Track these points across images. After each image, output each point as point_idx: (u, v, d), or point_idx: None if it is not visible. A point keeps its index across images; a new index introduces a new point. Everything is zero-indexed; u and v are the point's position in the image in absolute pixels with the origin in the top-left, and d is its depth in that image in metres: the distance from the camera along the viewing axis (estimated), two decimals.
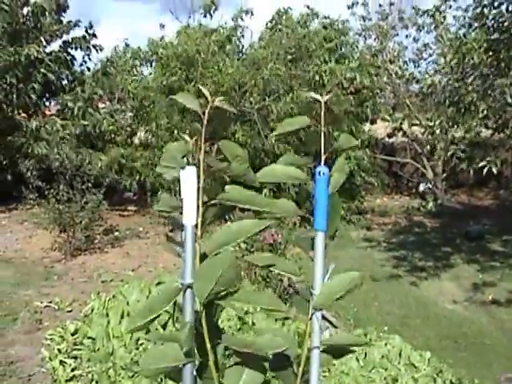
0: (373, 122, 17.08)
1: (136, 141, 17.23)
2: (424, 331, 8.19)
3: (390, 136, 18.22)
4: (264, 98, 14.38)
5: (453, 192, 19.50)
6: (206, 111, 1.91)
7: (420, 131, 16.48)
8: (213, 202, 2.00)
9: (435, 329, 8.32)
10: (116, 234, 13.42)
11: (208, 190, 1.97)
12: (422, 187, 18.93)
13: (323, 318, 5.45)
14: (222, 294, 2.03)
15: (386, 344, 6.35)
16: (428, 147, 17.35)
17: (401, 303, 9.39)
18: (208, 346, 2.13)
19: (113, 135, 16.19)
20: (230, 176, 2.02)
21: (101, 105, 17.12)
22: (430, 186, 18.19)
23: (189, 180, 1.91)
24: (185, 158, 1.93)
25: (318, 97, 2.15)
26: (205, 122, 1.91)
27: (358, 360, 5.91)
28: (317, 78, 14.90)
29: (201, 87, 1.96)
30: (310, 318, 2.23)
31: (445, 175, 17.65)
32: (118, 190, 15.11)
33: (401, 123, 16.46)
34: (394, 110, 17.50)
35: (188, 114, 14.55)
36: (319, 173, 2.06)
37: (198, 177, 1.92)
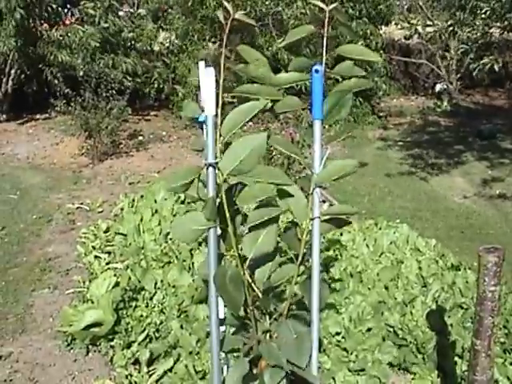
0: (388, 23, 17.06)
1: (156, 47, 17.36)
2: (433, 223, 8.59)
3: (406, 38, 18.18)
4: (278, 3, 14.47)
5: (468, 92, 19.48)
6: (229, 22, 2.30)
7: (434, 32, 16.51)
8: (230, 95, 2.42)
9: (444, 221, 8.71)
10: (140, 138, 13.76)
11: (227, 87, 2.39)
12: (438, 87, 18.95)
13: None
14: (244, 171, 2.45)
15: (394, 232, 6.80)
16: (441, 48, 17.37)
17: (413, 198, 9.77)
18: (227, 215, 2.58)
19: (133, 42, 16.38)
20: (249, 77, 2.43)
21: (120, 13, 17.20)
22: (446, 87, 18.24)
23: (208, 78, 2.33)
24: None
25: (322, 5, 2.53)
26: (226, 31, 2.30)
27: (368, 246, 6.36)
28: None
29: (224, 1, 2.33)
30: (312, 193, 2.67)
31: (459, 75, 17.68)
32: (140, 96, 15.36)
33: (416, 24, 16.44)
34: (409, 11, 17.51)
35: (209, 21, 14.71)
36: (315, 71, 2.47)
37: (219, 76, 2.34)
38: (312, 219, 2.68)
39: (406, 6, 17.80)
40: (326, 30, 2.46)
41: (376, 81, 15.46)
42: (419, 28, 16.76)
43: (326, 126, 2.70)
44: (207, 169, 2.44)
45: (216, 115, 2.38)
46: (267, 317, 2.96)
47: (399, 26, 16.92)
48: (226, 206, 2.54)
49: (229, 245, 2.73)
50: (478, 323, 3.38)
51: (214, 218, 2.50)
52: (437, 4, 14.37)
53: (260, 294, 2.86)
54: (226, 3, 2.30)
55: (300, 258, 2.82)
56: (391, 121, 16.32)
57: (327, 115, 2.53)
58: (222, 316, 2.90)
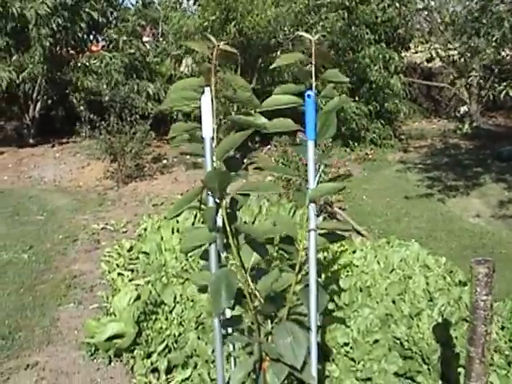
0: (408, 48, 17.28)
1: (181, 69, 17.69)
2: (448, 242, 8.77)
3: (428, 61, 18.37)
4: (297, 29, 14.75)
5: (491, 115, 19.65)
6: (214, 53, 2.57)
7: (454, 55, 16.68)
8: (223, 120, 2.70)
9: (458, 240, 8.88)
10: (164, 161, 14.08)
11: (219, 112, 2.67)
12: (460, 110, 19.09)
13: (356, 231, 6.50)
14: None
15: (405, 250, 6.98)
16: (463, 71, 17.50)
17: (429, 218, 9.96)
18: (228, 228, 2.84)
19: (157, 66, 16.75)
20: (237, 102, 2.72)
21: (145, 38, 17.60)
22: (467, 109, 18.37)
23: (206, 103, 2.61)
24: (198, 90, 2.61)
25: (308, 36, 2.80)
26: (213, 61, 2.58)
27: (379, 263, 6.57)
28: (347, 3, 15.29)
29: (209, 35, 2.60)
30: (307, 207, 2.92)
31: (480, 98, 17.79)
32: (164, 120, 15.71)
33: (435, 48, 16.61)
34: (429, 35, 17.67)
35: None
36: (308, 95, 2.74)
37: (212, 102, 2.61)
38: (308, 231, 2.93)
39: (427, 29, 17.96)
40: (313, 57, 2.73)
41: (396, 103, 15.69)
42: (439, 51, 16.93)
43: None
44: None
45: (212, 138, 2.67)
46: (269, 321, 3.20)
47: (419, 49, 17.10)
48: (226, 221, 2.80)
49: (231, 255, 2.99)
50: (471, 331, 3.58)
51: (215, 229, 2.77)
52: (453, 28, 14.50)
53: (262, 300, 3.11)
54: (210, 36, 2.58)
55: (298, 268, 3.07)
56: (412, 143, 16.53)
57: (319, 134, 2.80)
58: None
